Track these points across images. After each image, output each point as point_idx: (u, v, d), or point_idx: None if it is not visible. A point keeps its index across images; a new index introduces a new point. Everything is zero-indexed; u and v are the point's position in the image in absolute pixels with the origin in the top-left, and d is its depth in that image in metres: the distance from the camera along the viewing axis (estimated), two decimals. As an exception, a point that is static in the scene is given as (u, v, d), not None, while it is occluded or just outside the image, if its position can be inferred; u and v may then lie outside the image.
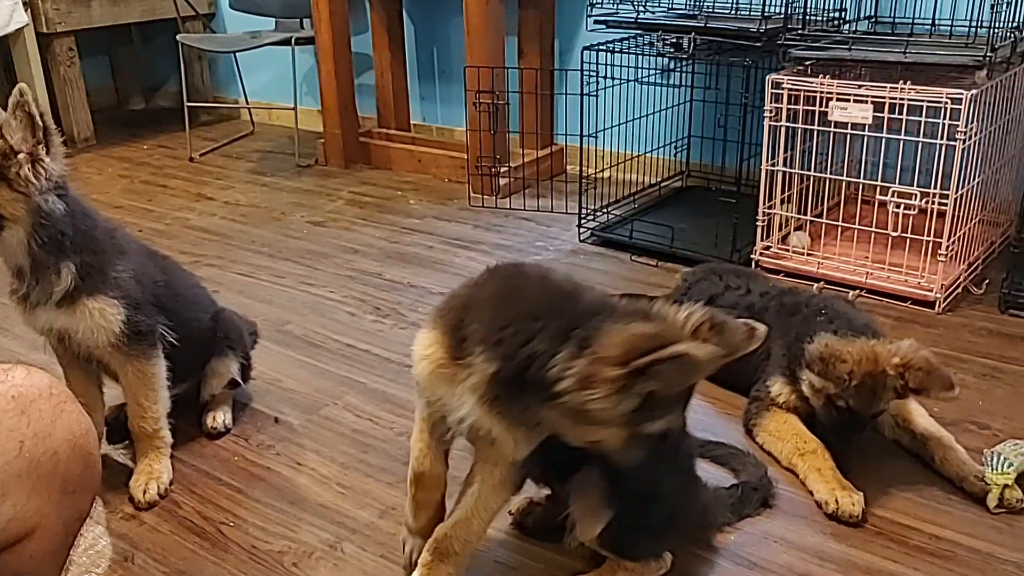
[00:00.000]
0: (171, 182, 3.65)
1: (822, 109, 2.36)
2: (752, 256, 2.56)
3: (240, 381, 1.90)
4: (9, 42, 3.92)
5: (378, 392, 2.00)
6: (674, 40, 2.75)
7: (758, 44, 2.42)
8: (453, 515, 1.34)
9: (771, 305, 1.87)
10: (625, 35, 2.78)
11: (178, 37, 3.92)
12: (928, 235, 2.29)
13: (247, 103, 4.50)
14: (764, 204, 2.52)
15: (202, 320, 1.84)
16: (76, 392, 1.70)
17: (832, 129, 2.39)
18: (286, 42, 3.75)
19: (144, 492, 1.64)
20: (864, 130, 2.33)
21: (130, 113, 4.79)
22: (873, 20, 2.73)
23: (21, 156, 1.47)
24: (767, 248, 2.57)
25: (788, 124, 2.42)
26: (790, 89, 2.38)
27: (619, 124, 2.96)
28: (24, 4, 3.84)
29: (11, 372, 0.89)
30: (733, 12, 2.83)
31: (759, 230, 2.54)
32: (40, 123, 1.49)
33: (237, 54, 4.30)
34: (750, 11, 2.74)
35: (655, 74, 2.93)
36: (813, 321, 1.73)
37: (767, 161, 2.48)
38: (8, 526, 0.84)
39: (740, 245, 2.57)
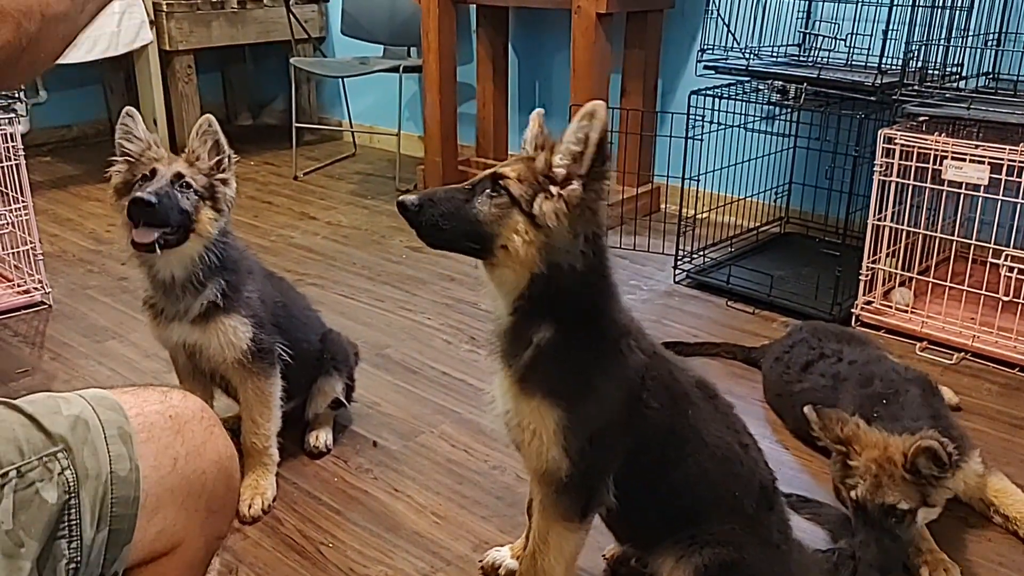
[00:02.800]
0: (276, 199, 3.77)
1: (935, 167, 2.31)
2: (853, 310, 2.51)
3: (344, 401, 1.96)
4: (134, 57, 4.12)
5: (472, 423, 2.03)
6: (780, 87, 2.74)
7: (872, 98, 2.39)
8: (525, 555, 1.37)
9: (853, 376, 1.85)
10: (733, 81, 2.78)
11: (291, 60, 4.07)
12: (1042, 302, 2.22)
13: (351, 125, 4.64)
14: (868, 258, 2.48)
15: (312, 341, 1.91)
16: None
17: (944, 188, 2.34)
18: (394, 69, 3.86)
19: (249, 507, 1.70)
20: (979, 190, 2.28)
21: (238, 129, 4.97)
22: (992, 77, 2.67)
23: (222, 176, 1.63)
24: (869, 303, 2.52)
25: (899, 180, 2.39)
26: (903, 145, 2.35)
27: (721, 168, 2.95)
28: (150, 22, 4.05)
29: (170, 394, 0.95)
30: (847, 63, 2.80)
31: (862, 284, 2.50)
32: (224, 149, 1.62)
33: (344, 79, 4.43)
34: (866, 63, 2.71)
35: (759, 120, 2.92)
36: (875, 402, 1.71)
37: (874, 215, 2.44)
38: (157, 538, 0.89)
39: (841, 298, 2.53)
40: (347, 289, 2.81)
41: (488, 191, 1.16)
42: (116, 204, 1.63)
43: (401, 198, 1.17)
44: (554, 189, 1.14)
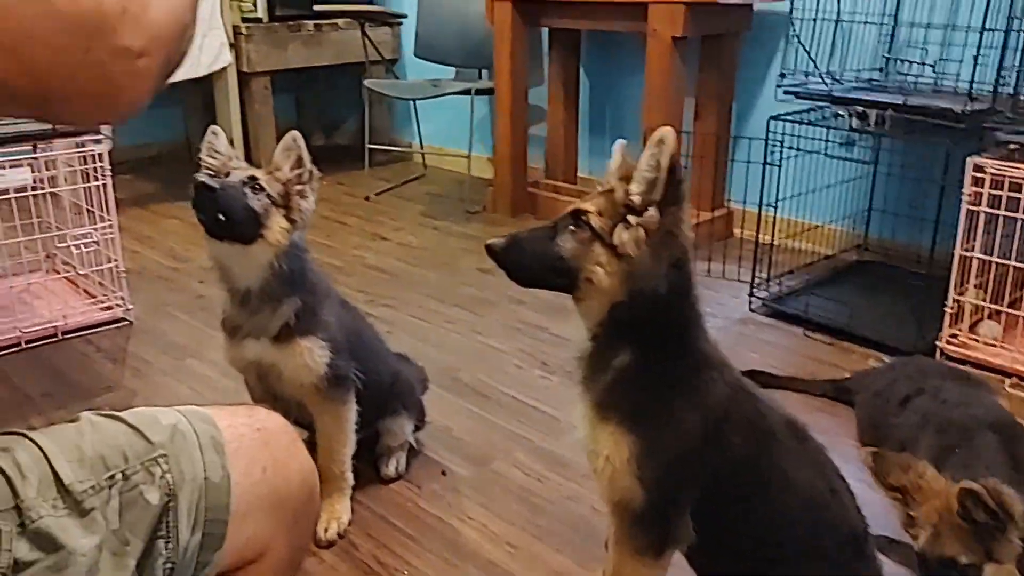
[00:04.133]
0: (348, 219, 3.82)
1: (1028, 196, 2.23)
2: (937, 343, 2.43)
3: (413, 443, 1.97)
4: (213, 78, 4.23)
5: (546, 451, 2.01)
6: (860, 112, 2.68)
7: (961, 125, 2.32)
8: None
9: (935, 417, 1.78)
10: (812, 106, 2.73)
11: (365, 82, 4.13)
12: None
13: (421, 147, 4.68)
14: (955, 290, 2.40)
15: (382, 374, 1.89)
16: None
17: (1038, 218, 2.25)
18: (465, 91, 3.89)
19: (326, 530, 1.71)
20: (1075, 222, 2.19)
21: (312, 149, 5.01)
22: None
23: (300, 187, 1.64)
24: (954, 336, 2.44)
25: (988, 210, 2.30)
26: (993, 174, 2.27)
27: (798, 195, 2.89)
28: (229, 45, 4.15)
29: (256, 410, 1.01)
30: (934, 88, 2.72)
31: (947, 317, 2.41)
32: (307, 165, 1.64)
33: (416, 101, 4.49)
34: (955, 89, 2.63)
35: (839, 146, 2.85)
36: (948, 448, 1.64)
37: (961, 246, 2.36)
38: (247, 544, 0.92)
39: (925, 331, 2.45)
40: (418, 310, 2.82)
41: (570, 227, 1.17)
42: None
43: (489, 242, 1.20)
44: (631, 218, 1.14)
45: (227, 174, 1.61)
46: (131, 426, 0.87)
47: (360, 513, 1.80)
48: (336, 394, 1.72)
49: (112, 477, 0.82)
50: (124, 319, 2.73)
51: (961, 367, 2.18)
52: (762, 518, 1.27)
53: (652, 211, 1.14)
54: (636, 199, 1.14)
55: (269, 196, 1.60)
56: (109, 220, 2.67)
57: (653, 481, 1.19)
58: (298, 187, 1.65)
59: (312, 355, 1.67)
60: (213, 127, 1.68)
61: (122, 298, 2.73)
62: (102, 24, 0.56)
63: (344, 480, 1.78)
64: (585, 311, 1.21)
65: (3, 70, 0.56)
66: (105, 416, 0.88)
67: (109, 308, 2.74)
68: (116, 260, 2.71)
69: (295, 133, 1.68)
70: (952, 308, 2.42)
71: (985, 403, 1.84)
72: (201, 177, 1.54)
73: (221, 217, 1.54)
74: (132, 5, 0.59)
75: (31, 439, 0.81)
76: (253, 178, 1.60)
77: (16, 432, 0.82)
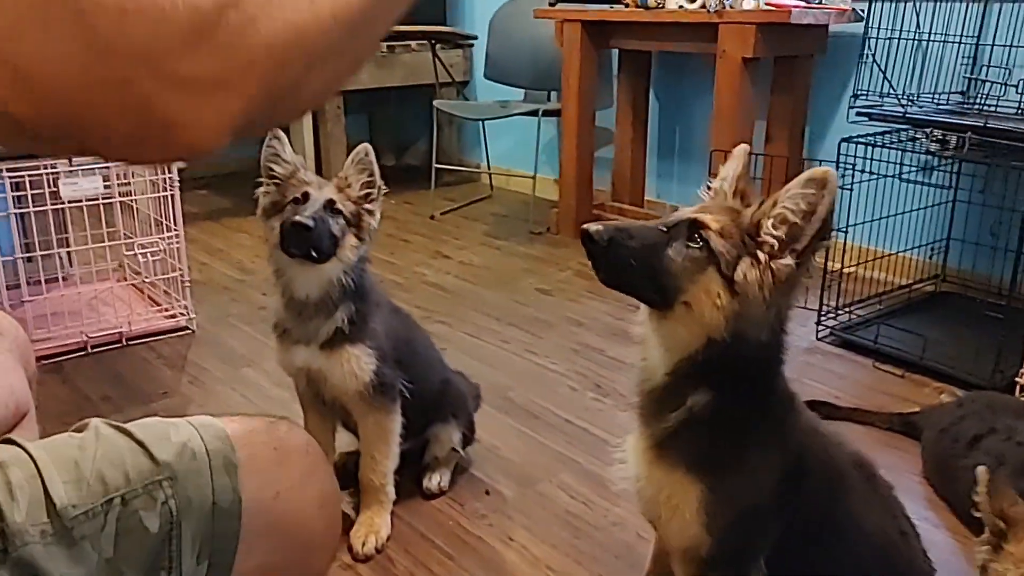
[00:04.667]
0: (412, 237, 3.84)
1: (1120, 225, 2.09)
2: (1017, 380, 2.28)
3: (461, 451, 1.92)
4: (287, 98, 4.31)
5: (593, 475, 1.95)
6: (940, 136, 2.56)
7: (1047, 149, 2.20)
8: None
9: (1015, 459, 1.67)
10: (887, 129, 2.62)
11: (435, 103, 4.16)
12: None
13: (488, 168, 4.69)
14: (1038, 324, 2.26)
15: (432, 382, 1.88)
16: (311, 434, 1.81)
17: None
18: (533, 113, 3.88)
19: (363, 544, 1.68)
20: None
21: (382, 168, 5.06)
22: None
23: (369, 207, 1.65)
24: (1037, 372, 2.29)
25: (1076, 238, 2.17)
26: (1082, 200, 2.14)
27: (871, 221, 2.78)
28: (305, 65, 4.23)
29: (277, 425, 0.93)
30: (1019, 111, 2.59)
31: (1029, 353, 2.27)
32: (376, 179, 1.64)
33: (484, 121, 4.50)
34: (1039, 112, 2.50)
35: (915, 171, 2.74)
36: None
37: (1046, 277, 2.23)
38: (255, 572, 0.86)
39: (1004, 366, 2.31)
40: (474, 328, 2.80)
41: (687, 240, 1.04)
42: (265, 225, 1.66)
43: (587, 226, 1.04)
44: (763, 257, 1.01)
45: (305, 194, 1.61)
46: (138, 442, 0.82)
47: (400, 528, 1.76)
48: (380, 402, 1.71)
49: (110, 501, 0.77)
50: (187, 327, 2.77)
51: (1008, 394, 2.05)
52: (834, 565, 1.19)
53: (789, 259, 1.00)
54: (773, 240, 1.01)
55: (344, 216, 1.62)
56: (176, 231, 2.72)
57: (723, 531, 1.10)
58: (367, 206, 1.66)
59: (359, 362, 1.66)
60: (275, 131, 1.67)
61: (185, 307, 2.78)
62: (156, 47, 0.42)
63: (385, 493, 1.75)
64: (667, 335, 1.08)
65: (12, 102, 0.42)
66: (114, 428, 0.84)
67: (173, 316, 2.79)
68: (181, 270, 2.76)
69: (367, 146, 1.68)
70: (1034, 343, 2.27)
71: None
72: (299, 218, 1.55)
73: (312, 253, 1.57)
74: (226, 15, 0.44)
75: (29, 453, 0.77)
76: (332, 201, 1.61)
77: (15, 442, 0.79)
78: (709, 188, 1.17)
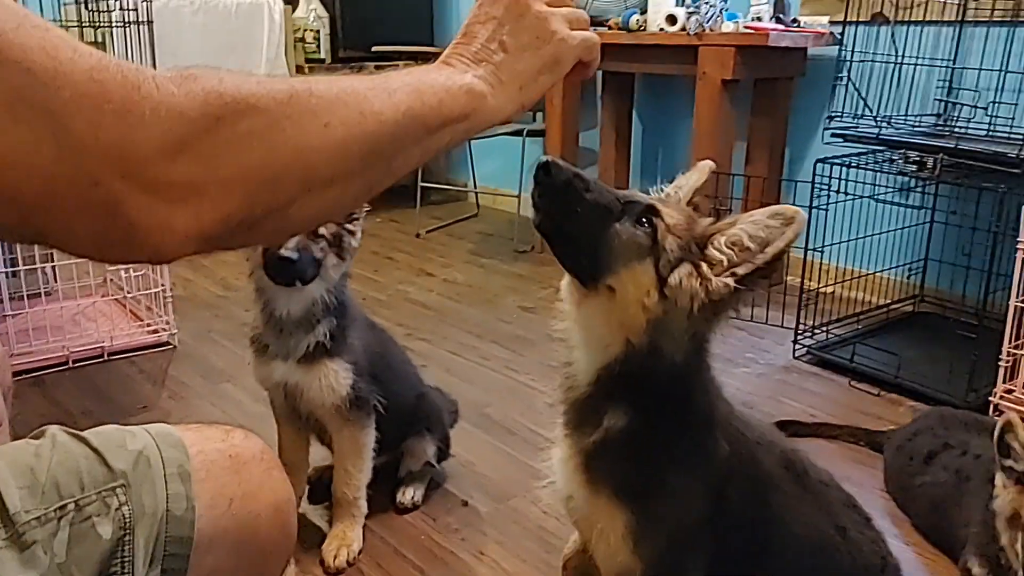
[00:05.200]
0: (397, 255, 3.86)
1: (1088, 246, 2.12)
2: (991, 399, 2.31)
3: (435, 464, 1.93)
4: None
5: (568, 490, 1.96)
6: (917, 159, 2.60)
7: (1016, 171, 2.23)
8: None
9: (978, 472, 1.68)
10: (863, 150, 2.66)
11: (421, 122, 4.19)
12: None
13: (475, 187, 4.72)
14: (1010, 343, 2.28)
15: (407, 396, 1.90)
16: (286, 449, 1.82)
17: (1099, 269, 2.14)
18: (517, 133, 3.91)
19: (335, 557, 1.69)
20: None
21: (369, 187, 5.14)
22: None
23: (349, 226, 1.66)
24: (1009, 392, 2.31)
25: (1045, 259, 2.20)
26: (1051, 221, 2.17)
27: (849, 240, 2.82)
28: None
29: (232, 433, 0.94)
30: (988, 133, 2.63)
31: (1001, 371, 2.29)
32: None
33: (472, 141, 4.54)
34: (1009, 133, 2.54)
35: (892, 192, 2.77)
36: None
37: (1016, 296, 2.25)
38: None
39: (977, 384, 2.33)
40: (455, 346, 2.81)
41: (639, 220, 0.99)
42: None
43: (547, 156, 0.97)
44: (706, 269, 0.98)
45: None
46: (94, 449, 0.82)
47: (372, 542, 1.77)
48: (356, 417, 1.72)
49: (63, 507, 0.77)
50: (169, 343, 2.78)
51: (984, 417, 2.06)
52: (769, 570, 1.20)
53: (728, 280, 0.96)
54: (719, 256, 0.98)
55: (325, 238, 1.64)
56: (159, 246, 2.73)
57: (651, 555, 1.08)
58: (348, 225, 1.67)
59: (337, 377, 1.68)
60: None
61: (168, 322, 2.79)
62: (130, 151, 0.41)
63: (357, 507, 1.76)
64: (586, 322, 1.04)
65: None
66: (71, 435, 0.84)
67: (155, 332, 2.80)
68: (164, 285, 2.77)
69: None
70: (1006, 362, 2.30)
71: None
72: (284, 252, 1.56)
73: (297, 283, 1.59)
74: (216, 128, 0.41)
75: None
76: None
77: None
78: (663, 191, 1.15)
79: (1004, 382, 2.31)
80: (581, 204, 0.97)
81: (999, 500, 1.46)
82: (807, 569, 1.19)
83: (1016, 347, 2.30)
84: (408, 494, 1.89)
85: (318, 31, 4.39)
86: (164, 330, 2.80)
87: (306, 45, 4.37)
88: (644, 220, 0.99)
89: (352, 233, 1.69)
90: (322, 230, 1.63)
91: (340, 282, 1.69)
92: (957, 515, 1.68)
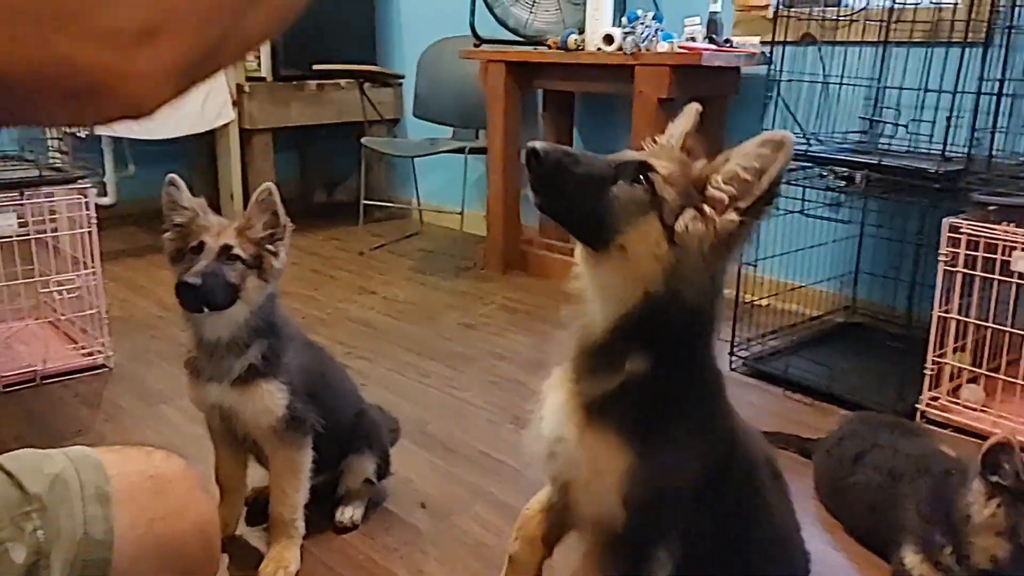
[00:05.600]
0: (339, 273, 3.85)
1: (1004, 258, 2.21)
2: (918, 406, 2.39)
3: (375, 481, 1.93)
4: (215, 134, 4.32)
5: (507, 506, 1.98)
6: (845, 174, 2.68)
7: (936, 186, 2.32)
8: None
9: (910, 471, 1.75)
10: (793, 166, 2.73)
11: (362, 140, 4.20)
12: (1124, 405, 2.07)
13: (418, 204, 4.73)
14: (934, 352, 2.36)
15: (346, 414, 1.90)
16: (223, 471, 1.81)
17: (1015, 280, 2.23)
18: (460, 150, 3.94)
19: (271, 579, 1.67)
20: (1052, 283, 2.16)
21: (313, 205, 5.13)
22: (1069, 167, 2.56)
23: (271, 247, 1.65)
24: (935, 399, 2.39)
25: (965, 271, 2.28)
26: (969, 235, 2.25)
27: (782, 254, 2.89)
28: (232, 102, 4.24)
29: (153, 454, 0.94)
30: (909, 149, 2.73)
31: (927, 379, 2.37)
32: (281, 218, 1.65)
33: (415, 159, 4.55)
34: (929, 149, 2.64)
35: (822, 207, 2.85)
36: (946, 479, 1.61)
37: (939, 307, 2.34)
38: None
39: (905, 393, 2.41)
40: (395, 364, 2.81)
41: (634, 180, 1.01)
42: (172, 270, 1.67)
43: (532, 143, 1.00)
44: (709, 211, 0.99)
45: (200, 244, 1.61)
46: (8, 474, 0.82)
47: (309, 563, 1.76)
48: (292, 438, 1.71)
49: None
50: (104, 365, 2.74)
51: (903, 419, 2.14)
52: (745, 556, 1.22)
53: (733, 215, 0.98)
54: (721, 195, 0.99)
55: (243, 261, 1.62)
56: (93, 267, 2.69)
57: (639, 505, 1.07)
58: (269, 246, 1.66)
59: (272, 398, 1.67)
60: (171, 177, 1.68)
61: (103, 344, 2.74)
62: (66, 4, 0.38)
63: (295, 527, 1.75)
64: (602, 282, 1.05)
65: None
66: None
67: (90, 354, 2.75)
68: (99, 307, 2.72)
69: (270, 186, 1.69)
70: (932, 370, 2.38)
71: (944, 452, 1.84)
72: (186, 278, 1.55)
73: (205, 308, 1.58)
74: None
75: None
76: (227, 247, 1.61)
77: None
78: (655, 142, 1.16)
79: (930, 390, 2.39)
80: (575, 179, 0.99)
81: (975, 508, 1.50)
82: (775, 559, 1.23)
83: (940, 356, 2.38)
84: (347, 513, 1.89)
85: (259, 49, 4.36)
86: (100, 352, 2.75)
87: (246, 64, 4.34)
88: (640, 177, 1.00)
89: (275, 254, 1.67)
90: (238, 251, 1.61)
91: (268, 304, 1.67)
92: (892, 514, 1.73)
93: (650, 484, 1.06)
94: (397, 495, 2.02)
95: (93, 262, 2.69)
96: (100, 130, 3.93)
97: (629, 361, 1.04)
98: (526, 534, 1.36)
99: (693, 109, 1.14)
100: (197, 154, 4.80)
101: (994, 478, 1.48)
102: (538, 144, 0.99)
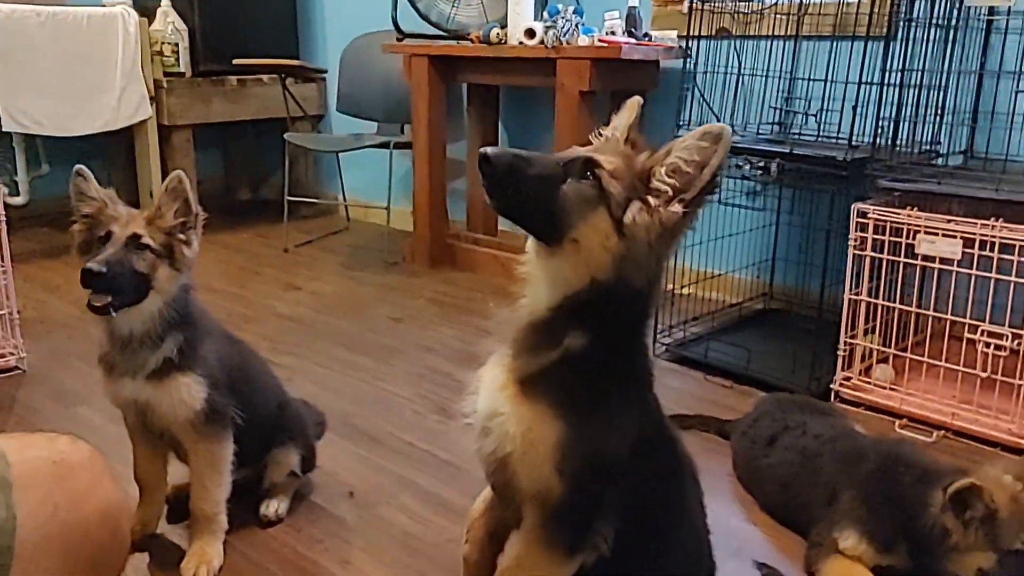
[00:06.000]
0: (264, 270, 3.80)
1: (909, 241, 2.31)
2: (832, 386, 2.47)
3: (299, 473, 1.92)
4: (134, 130, 4.21)
5: (433, 495, 1.99)
6: (762, 164, 2.76)
7: (844, 173, 2.40)
8: None
9: (825, 450, 1.81)
10: (711, 157, 2.80)
11: (285, 136, 4.15)
12: (1020, 378, 2.17)
13: (344, 200, 4.70)
14: (846, 334, 2.45)
15: (269, 407, 1.88)
16: (141, 468, 1.78)
17: (919, 262, 2.33)
18: (384, 145, 3.92)
19: (194, 575, 1.65)
20: (953, 265, 2.26)
21: (237, 203, 5.04)
22: (967, 155, 2.68)
23: (182, 236, 1.62)
24: (847, 379, 2.48)
25: (873, 254, 2.38)
26: (876, 219, 2.34)
27: (702, 243, 2.96)
28: (150, 98, 4.15)
29: (57, 440, 0.93)
30: (818, 139, 2.83)
31: (840, 360, 2.46)
32: (192, 207, 1.62)
33: (340, 154, 4.52)
34: (837, 139, 2.73)
35: (740, 196, 2.93)
36: (897, 477, 1.63)
37: (850, 290, 2.43)
38: None
39: (819, 373, 2.50)
40: (323, 358, 2.79)
41: (579, 176, 1.06)
42: (80, 262, 1.62)
43: (485, 149, 1.04)
44: (654, 202, 1.04)
45: (108, 233, 1.58)
46: None
47: (232, 558, 1.74)
48: (211, 431, 1.69)
49: None
50: (17, 367, 2.65)
51: (815, 400, 2.21)
52: (662, 542, 1.24)
53: (677, 207, 1.03)
54: (665, 187, 1.04)
55: (153, 250, 1.59)
56: (3, 267, 2.61)
57: (573, 475, 1.10)
58: (181, 236, 1.64)
59: (189, 391, 1.64)
60: (78, 168, 1.64)
61: (16, 346, 2.66)
62: None
63: (217, 523, 1.72)
64: (553, 272, 1.09)
65: None
66: None
67: (2, 356, 2.66)
68: (10, 307, 2.64)
69: (180, 174, 1.66)
70: (844, 351, 2.47)
71: (856, 431, 1.91)
72: (90, 264, 1.52)
73: (110, 299, 1.55)
74: None
75: None
76: (136, 236, 1.59)
77: None
78: (600, 135, 1.19)
79: (843, 370, 2.48)
80: (527, 180, 1.05)
81: (955, 535, 1.51)
82: (689, 550, 1.26)
83: (852, 337, 2.47)
84: (272, 507, 1.87)
85: (177, 44, 4.27)
86: (12, 354, 2.66)
87: (164, 59, 4.24)
88: (587, 174, 1.05)
89: (186, 243, 1.65)
90: (147, 240, 1.59)
91: (182, 295, 1.65)
92: (808, 491, 1.78)
93: (584, 454, 1.09)
94: (323, 488, 2.02)
95: (3, 261, 2.61)
96: (10, 126, 3.81)
97: (569, 337, 1.09)
98: (474, 535, 1.38)
99: (635, 103, 1.18)
100: (115, 152, 4.68)
101: (966, 515, 1.50)
102: (490, 149, 1.04)
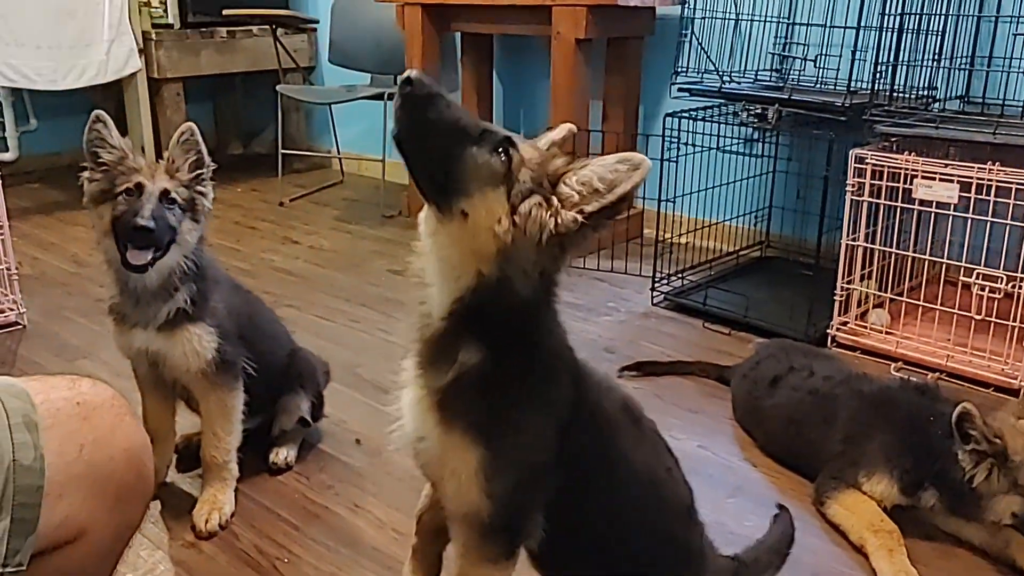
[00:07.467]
0: (260, 224, 3.79)
1: (906, 186, 2.32)
2: (829, 331, 2.50)
3: (310, 420, 1.94)
4: (123, 84, 4.16)
5: (440, 441, 2.01)
6: (759, 111, 2.76)
7: (842, 118, 2.41)
8: None
9: (840, 392, 1.83)
10: (709, 103, 2.80)
11: (278, 88, 4.10)
12: (1014, 320, 2.21)
13: (339, 153, 4.67)
14: (843, 279, 2.48)
15: (278, 356, 1.90)
16: (151, 418, 1.79)
17: (916, 207, 2.35)
18: (379, 96, 3.89)
19: (206, 522, 1.68)
20: (949, 209, 2.28)
21: (229, 157, 5.00)
22: (964, 100, 2.69)
23: (201, 188, 1.64)
24: (844, 324, 2.51)
25: (871, 200, 2.39)
26: (874, 165, 2.35)
27: (699, 191, 2.96)
28: (139, 51, 4.09)
29: (79, 382, 0.94)
30: (818, 85, 2.82)
31: (837, 305, 2.49)
32: (204, 158, 1.62)
33: (332, 106, 4.48)
34: (835, 85, 2.73)
35: (738, 143, 2.93)
36: (929, 427, 1.65)
37: (847, 236, 2.44)
38: (62, 525, 0.88)
39: (816, 319, 2.52)
40: (324, 311, 2.81)
41: (495, 148, 1.01)
42: (93, 212, 1.62)
43: (411, 71, 0.98)
44: (555, 201, 1.01)
45: (138, 185, 1.58)
46: None
47: (244, 504, 1.77)
48: (223, 380, 1.71)
49: None
50: (17, 323, 2.66)
51: (814, 347, 2.25)
52: (610, 505, 1.24)
53: (576, 215, 1.01)
54: (571, 193, 1.01)
55: (180, 206, 1.61)
56: (0, 223, 2.60)
57: (501, 493, 1.10)
58: (199, 188, 1.65)
59: (200, 341, 1.66)
60: (98, 113, 1.61)
61: (15, 302, 2.66)
62: None
63: (228, 470, 1.75)
64: (440, 251, 1.05)
65: None
66: None
67: (1, 311, 2.67)
68: (8, 264, 2.64)
69: (191, 125, 1.66)
70: (840, 297, 2.49)
71: (856, 372, 1.93)
72: (140, 221, 1.52)
73: (151, 256, 1.55)
74: None
75: None
76: (166, 192, 1.59)
77: None
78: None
79: (840, 315, 2.51)
80: (440, 121, 0.99)
81: (978, 477, 1.55)
82: (643, 502, 1.26)
83: (848, 283, 2.50)
84: (281, 455, 1.90)
85: (164, -5, 4.21)
86: (12, 310, 2.66)
87: (152, 10, 4.18)
88: (500, 150, 1.01)
89: (204, 195, 1.66)
90: (174, 195, 1.60)
91: (197, 246, 1.66)
92: (819, 430, 1.81)
93: (507, 472, 1.09)
94: (331, 435, 2.04)
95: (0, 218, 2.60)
96: (-3, 81, 3.76)
97: (462, 352, 1.06)
98: (421, 528, 1.39)
99: (567, 128, 1.17)
100: (104, 107, 4.61)
101: (970, 446, 1.54)
102: (415, 72, 0.98)
